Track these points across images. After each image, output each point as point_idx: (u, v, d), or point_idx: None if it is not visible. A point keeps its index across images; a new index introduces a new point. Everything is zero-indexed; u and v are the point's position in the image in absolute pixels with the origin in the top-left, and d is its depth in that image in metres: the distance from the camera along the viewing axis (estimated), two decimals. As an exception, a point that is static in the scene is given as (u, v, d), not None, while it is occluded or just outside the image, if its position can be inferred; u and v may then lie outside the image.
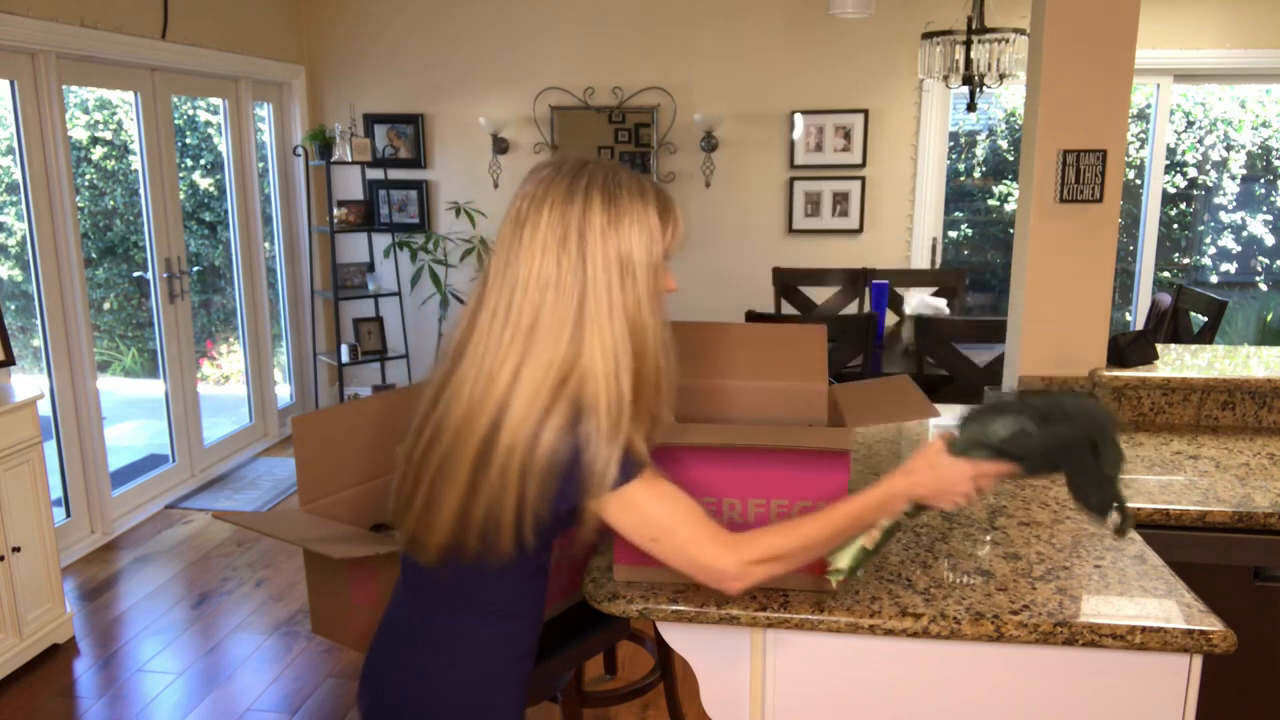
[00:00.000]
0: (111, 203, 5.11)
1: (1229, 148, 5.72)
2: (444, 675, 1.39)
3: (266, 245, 5.51)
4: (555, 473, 1.22)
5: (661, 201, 1.29)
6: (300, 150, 5.59)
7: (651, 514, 1.28)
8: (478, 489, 1.24)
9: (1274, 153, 5.71)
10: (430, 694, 1.39)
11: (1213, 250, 5.89)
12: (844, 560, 1.41)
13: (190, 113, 5.29)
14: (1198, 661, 1.46)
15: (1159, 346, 2.76)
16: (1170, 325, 4.43)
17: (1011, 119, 5.79)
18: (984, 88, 4.12)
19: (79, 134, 4.96)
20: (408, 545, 1.35)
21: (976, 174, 5.90)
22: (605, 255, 1.23)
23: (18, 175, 3.82)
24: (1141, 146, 5.51)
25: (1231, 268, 5.88)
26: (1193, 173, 5.77)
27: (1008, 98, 5.71)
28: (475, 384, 1.24)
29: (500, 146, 5.63)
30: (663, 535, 1.28)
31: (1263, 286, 5.90)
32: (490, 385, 1.23)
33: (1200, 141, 5.74)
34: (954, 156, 5.76)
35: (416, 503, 1.30)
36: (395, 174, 5.80)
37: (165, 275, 4.61)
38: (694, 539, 1.29)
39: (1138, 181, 5.51)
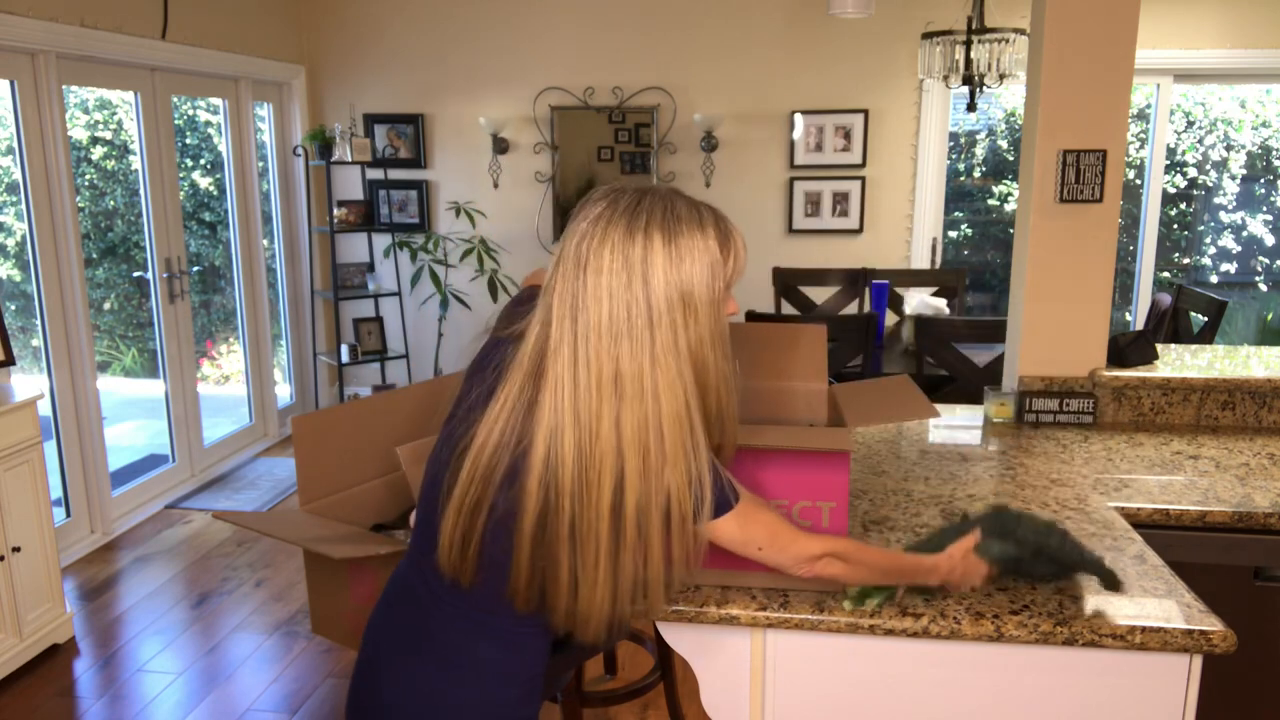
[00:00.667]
0: (112, 203, 5.11)
1: (1229, 148, 5.72)
2: (456, 690, 1.38)
3: (266, 245, 5.51)
4: (685, 521, 1.26)
5: (721, 231, 1.27)
6: (300, 150, 5.59)
7: (755, 529, 1.37)
8: (621, 558, 1.25)
9: (1274, 153, 5.71)
10: (434, 706, 1.38)
11: (1213, 250, 5.89)
12: (874, 600, 1.53)
13: (190, 113, 5.29)
14: (1198, 661, 1.46)
15: (1159, 346, 2.76)
16: (1170, 325, 4.43)
17: (1011, 119, 5.79)
18: (984, 88, 4.12)
19: (79, 134, 4.96)
20: (565, 621, 1.30)
21: (976, 174, 5.90)
22: (669, 297, 1.22)
23: (18, 175, 3.82)
24: (1141, 146, 5.51)
25: (1231, 268, 5.88)
26: (1193, 173, 5.77)
27: (1008, 98, 5.71)
28: (580, 442, 1.21)
29: (500, 146, 5.63)
30: (767, 543, 1.39)
31: (1263, 286, 5.90)
32: (596, 441, 1.21)
33: (1200, 141, 5.74)
34: (954, 156, 5.76)
35: (562, 576, 1.26)
36: (395, 174, 5.80)
37: (165, 275, 4.61)
38: (791, 538, 1.40)
39: (1138, 181, 5.51)
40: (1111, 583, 1.53)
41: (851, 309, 5.11)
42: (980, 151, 5.87)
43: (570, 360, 1.22)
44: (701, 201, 1.30)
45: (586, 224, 1.24)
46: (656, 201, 1.25)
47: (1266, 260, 5.84)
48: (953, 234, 5.89)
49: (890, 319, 5.03)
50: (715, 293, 1.26)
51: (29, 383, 3.60)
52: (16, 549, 3.05)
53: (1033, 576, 1.55)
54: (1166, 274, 5.84)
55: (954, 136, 5.67)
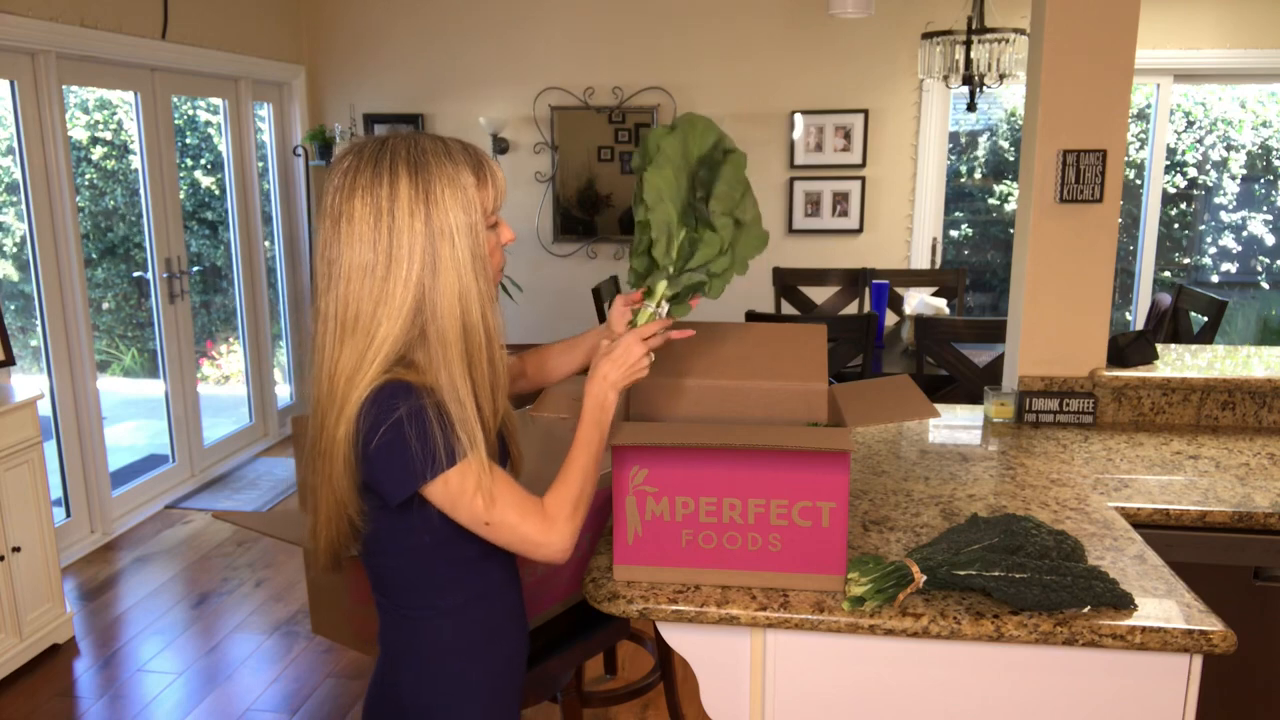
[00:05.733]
0: (112, 203, 5.11)
1: (1229, 148, 5.72)
2: (398, 680, 1.39)
3: (267, 245, 5.51)
4: (374, 459, 1.22)
5: (473, 159, 1.28)
6: (300, 150, 5.59)
7: (472, 503, 1.25)
8: (329, 481, 1.27)
9: (1274, 153, 5.71)
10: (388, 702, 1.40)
11: (1213, 250, 5.89)
12: (873, 600, 1.49)
13: (190, 113, 5.29)
14: (1198, 661, 1.46)
15: (1159, 346, 2.76)
16: (1170, 325, 4.43)
17: (1012, 119, 5.79)
18: (984, 88, 4.12)
19: (79, 134, 4.96)
20: (310, 539, 1.38)
21: (977, 174, 5.90)
22: (415, 229, 1.22)
23: (18, 175, 3.82)
24: (1141, 146, 5.51)
25: (1232, 267, 5.88)
26: (1193, 173, 5.77)
27: (1008, 98, 5.71)
28: (319, 389, 1.26)
29: (500, 146, 5.63)
30: (494, 521, 1.27)
31: (1264, 286, 5.90)
32: (331, 384, 1.24)
33: (1200, 141, 5.74)
34: (954, 157, 5.76)
35: (308, 495, 1.33)
36: (395, 174, 5.78)
37: (165, 275, 4.61)
38: (520, 520, 1.29)
39: (1138, 181, 5.51)
40: (1123, 603, 1.48)
41: (851, 309, 5.11)
42: (981, 152, 5.87)
43: (329, 308, 1.25)
44: (451, 137, 1.31)
45: (338, 178, 1.26)
46: (400, 142, 1.26)
47: (1267, 260, 5.84)
48: (953, 234, 5.89)
49: (890, 319, 5.03)
50: (473, 218, 1.25)
51: (29, 383, 3.60)
52: (16, 549, 3.05)
53: (1021, 601, 1.47)
54: (1167, 274, 5.84)
55: (954, 136, 5.67)
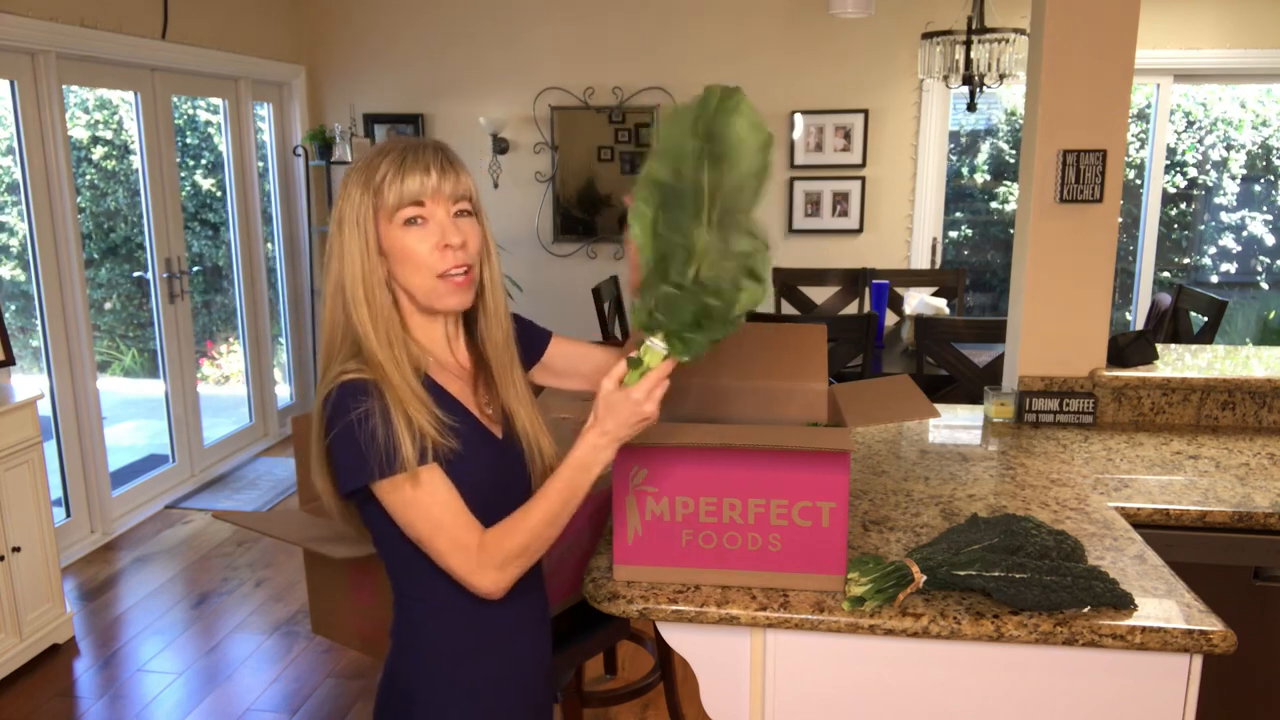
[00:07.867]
0: (112, 203, 5.11)
1: (1229, 148, 5.72)
2: (401, 671, 1.40)
3: (267, 245, 5.51)
4: (330, 451, 1.27)
5: (388, 156, 1.29)
6: (300, 150, 5.60)
7: (407, 517, 1.25)
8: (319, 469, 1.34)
9: (1274, 153, 5.71)
10: (395, 692, 1.41)
11: (1213, 250, 5.88)
12: (873, 600, 1.49)
13: (190, 113, 5.29)
14: (1198, 661, 1.46)
15: (1159, 346, 2.76)
16: (1170, 325, 4.43)
17: (1012, 119, 5.79)
18: (984, 88, 4.12)
19: (79, 134, 4.96)
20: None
21: (978, 175, 5.90)
22: (330, 238, 1.31)
23: (18, 175, 3.82)
24: (1141, 146, 5.51)
25: (1232, 267, 5.88)
26: (1193, 173, 5.77)
27: (1008, 98, 5.71)
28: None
29: (500, 146, 5.63)
30: (423, 540, 1.26)
31: (1264, 286, 5.90)
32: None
33: (1200, 141, 5.74)
34: (954, 158, 5.76)
35: None
36: (395, 174, 5.78)
37: (165, 275, 4.61)
38: (447, 552, 1.25)
39: (1138, 181, 5.51)
40: (1124, 603, 1.48)
41: (851, 309, 5.11)
42: (983, 154, 5.87)
43: None
44: (426, 138, 1.34)
45: None
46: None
47: (1267, 260, 5.84)
48: (953, 234, 5.89)
49: (890, 319, 5.03)
50: (362, 225, 1.28)
51: (29, 383, 3.60)
52: (16, 549, 3.05)
53: (1021, 601, 1.46)
54: (1166, 274, 5.84)
55: (954, 137, 5.67)
